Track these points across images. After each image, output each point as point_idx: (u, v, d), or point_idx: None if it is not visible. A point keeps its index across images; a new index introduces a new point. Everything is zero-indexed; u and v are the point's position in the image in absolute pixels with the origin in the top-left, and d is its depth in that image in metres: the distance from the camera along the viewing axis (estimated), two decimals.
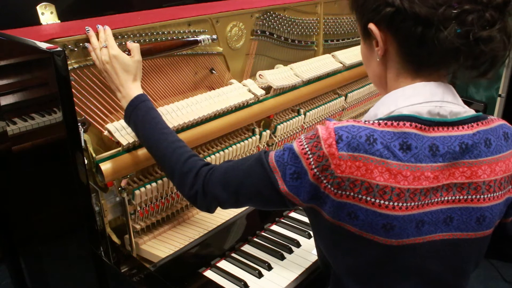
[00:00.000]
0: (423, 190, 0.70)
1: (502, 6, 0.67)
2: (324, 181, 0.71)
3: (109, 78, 1.01)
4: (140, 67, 1.03)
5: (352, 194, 0.69)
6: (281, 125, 1.46)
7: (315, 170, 0.71)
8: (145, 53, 1.08)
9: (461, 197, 0.73)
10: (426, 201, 0.71)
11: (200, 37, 1.25)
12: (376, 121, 0.71)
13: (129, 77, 1.00)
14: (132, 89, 0.99)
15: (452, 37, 0.66)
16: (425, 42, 0.70)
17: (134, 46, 1.03)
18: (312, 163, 0.71)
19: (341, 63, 1.70)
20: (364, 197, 0.69)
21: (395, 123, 0.70)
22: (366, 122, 0.71)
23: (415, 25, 0.69)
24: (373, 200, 0.69)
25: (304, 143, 0.73)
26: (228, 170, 0.85)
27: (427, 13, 0.68)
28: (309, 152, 0.72)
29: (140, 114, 0.97)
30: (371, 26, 0.74)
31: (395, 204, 0.69)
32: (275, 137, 1.46)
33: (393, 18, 0.71)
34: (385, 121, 0.71)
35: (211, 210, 0.90)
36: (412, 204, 0.70)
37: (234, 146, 1.30)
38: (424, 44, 0.70)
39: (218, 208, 0.91)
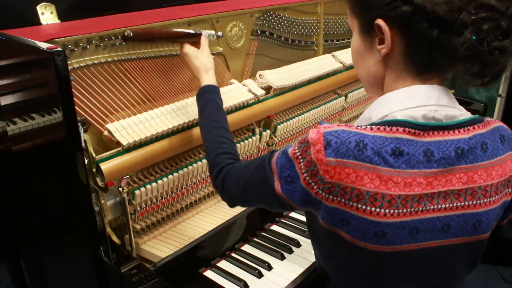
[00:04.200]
0: (415, 197, 0.68)
1: None
2: (315, 187, 0.70)
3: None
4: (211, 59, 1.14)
5: (343, 200, 0.68)
6: (281, 125, 1.46)
7: (305, 175, 0.71)
8: (145, 37, 1.09)
9: (458, 203, 0.71)
10: (420, 208, 0.69)
11: (205, 31, 1.19)
12: (368, 126, 0.69)
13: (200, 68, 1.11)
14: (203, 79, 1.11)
15: (468, 44, 0.64)
16: (439, 46, 0.67)
17: (202, 41, 1.16)
18: (302, 167, 0.71)
19: (341, 63, 1.70)
20: (355, 204, 0.68)
21: (388, 128, 0.68)
22: (358, 127, 0.69)
23: (432, 28, 0.67)
24: (364, 207, 0.67)
25: (296, 148, 0.72)
26: (241, 169, 0.88)
27: (447, 15, 0.65)
28: (300, 157, 0.71)
29: (199, 103, 1.07)
30: (380, 22, 0.70)
31: (387, 211, 0.68)
32: (275, 137, 1.46)
33: (410, 17, 0.67)
34: (378, 126, 0.69)
35: (230, 204, 0.95)
36: (405, 210, 0.68)
37: None
38: (437, 48, 0.68)
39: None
